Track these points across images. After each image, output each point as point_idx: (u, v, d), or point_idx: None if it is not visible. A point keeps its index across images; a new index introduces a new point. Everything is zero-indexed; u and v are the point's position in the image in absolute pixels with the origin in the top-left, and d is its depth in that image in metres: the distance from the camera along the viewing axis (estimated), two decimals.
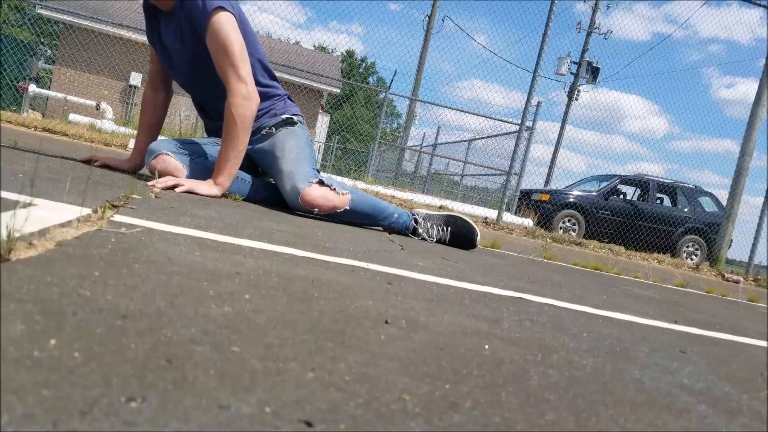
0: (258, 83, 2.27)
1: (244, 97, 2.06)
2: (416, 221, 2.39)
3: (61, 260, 0.69)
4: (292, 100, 2.47)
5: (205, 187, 2.05)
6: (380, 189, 7.53)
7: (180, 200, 1.70)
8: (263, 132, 2.35)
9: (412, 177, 16.32)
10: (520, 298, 1.27)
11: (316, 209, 2.15)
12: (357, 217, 2.27)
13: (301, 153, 2.28)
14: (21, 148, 2.43)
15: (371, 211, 2.29)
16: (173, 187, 1.97)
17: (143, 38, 12.90)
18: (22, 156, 1.99)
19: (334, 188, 2.17)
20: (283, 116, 2.37)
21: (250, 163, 2.43)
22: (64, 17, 12.42)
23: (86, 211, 1.08)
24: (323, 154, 20.81)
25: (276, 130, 2.34)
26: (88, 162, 2.36)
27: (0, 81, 10.30)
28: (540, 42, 7.30)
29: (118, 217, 1.12)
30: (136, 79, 13.32)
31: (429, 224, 2.38)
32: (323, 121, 19.14)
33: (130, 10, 13.00)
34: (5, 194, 1.07)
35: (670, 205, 10.21)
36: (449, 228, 2.38)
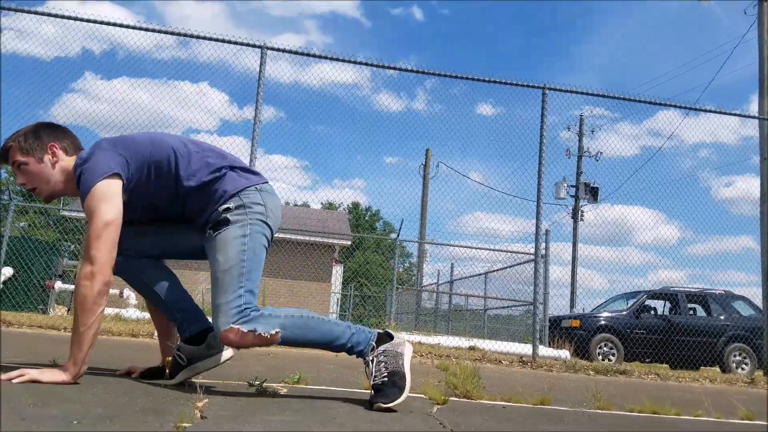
0: (200, 171, 2.16)
1: (85, 277, 1.95)
2: (373, 348, 2.12)
3: None
4: (238, 170, 2.22)
5: (49, 375, 1.96)
6: (404, 335, 7.40)
7: (225, 417, 1.67)
8: (207, 234, 2.16)
9: (434, 315, 16.11)
10: None
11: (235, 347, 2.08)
12: (298, 345, 2.11)
13: (227, 274, 2.05)
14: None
15: (315, 340, 2.10)
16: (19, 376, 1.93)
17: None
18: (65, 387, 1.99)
19: (258, 333, 1.98)
20: (221, 208, 2.13)
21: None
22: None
23: None
24: (341, 304, 20.80)
25: (213, 233, 2.12)
26: (129, 374, 2.38)
27: (29, 285, 10.63)
28: (537, 176, 7.44)
29: None
30: None
31: (381, 359, 2.11)
32: (338, 271, 19.41)
33: None
34: None
35: (704, 314, 9.94)
36: (389, 379, 2.08)
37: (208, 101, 10.72)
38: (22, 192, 34.00)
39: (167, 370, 2.30)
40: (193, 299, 2.39)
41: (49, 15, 6.15)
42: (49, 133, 2.18)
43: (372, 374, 2.11)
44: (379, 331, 2.21)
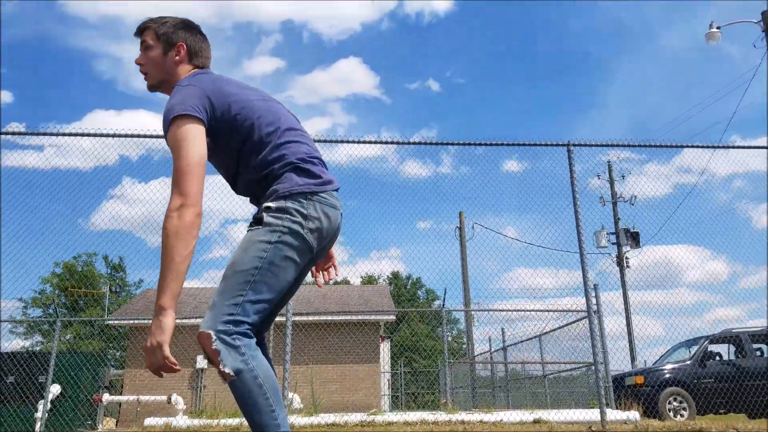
0: (269, 163, 2.01)
1: (175, 208, 1.85)
2: None
3: None
4: (301, 169, 2.03)
5: (153, 332, 1.81)
6: (464, 416, 7.08)
7: None
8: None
9: (491, 386, 15.50)
10: None
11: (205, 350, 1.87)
12: (236, 398, 1.87)
13: (234, 276, 1.90)
14: None
15: (247, 412, 1.87)
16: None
17: None
18: None
19: (221, 359, 1.82)
20: (263, 206, 1.96)
21: None
22: (130, 322, 13.33)
23: None
24: (392, 383, 20.25)
25: (248, 229, 1.98)
26: None
27: (76, 401, 10.64)
28: (576, 230, 7.26)
29: None
30: (202, 362, 13.77)
31: None
32: (385, 348, 19.07)
33: (187, 303, 13.91)
34: None
35: None
36: None
37: None
38: (66, 305, 34.91)
39: None
40: None
41: (84, 135, 6.42)
42: (187, 33, 2.18)
43: None
44: None
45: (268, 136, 2.05)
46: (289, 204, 1.95)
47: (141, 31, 2.18)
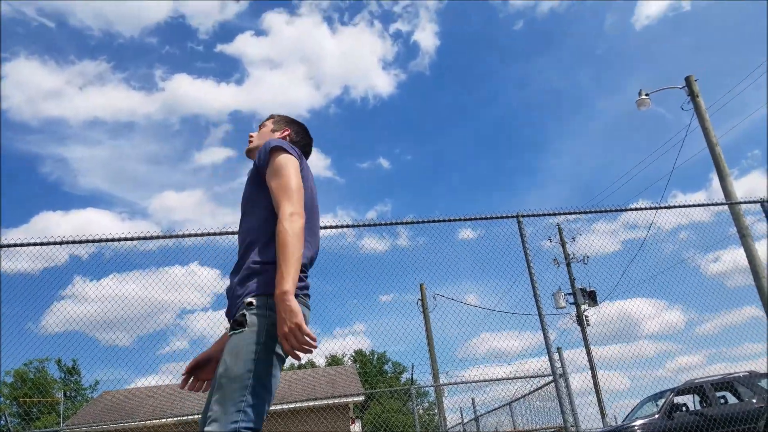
0: (270, 248, 2.10)
1: (292, 214, 2.02)
2: None
3: None
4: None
5: (285, 318, 1.86)
6: None
7: None
8: (228, 328, 2.03)
9: None
10: None
11: None
12: None
13: (232, 383, 1.87)
14: None
15: None
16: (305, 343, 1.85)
17: (172, 419, 13.17)
18: None
19: None
20: (245, 301, 1.98)
21: None
22: (88, 428, 12.67)
23: None
24: None
25: (230, 331, 1.98)
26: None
27: None
28: (533, 295, 7.50)
29: None
30: None
31: None
32: (356, 430, 18.51)
33: (145, 405, 13.36)
34: None
35: (736, 401, 9.58)
36: None
37: (198, 280, 10.65)
38: (18, 413, 32.80)
39: None
40: None
41: (35, 244, 6.34)
42: (295, 127, 2.60)
43: None
44: None
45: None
46: (271, 301, 1.98)
47: (268, 118, 2.63)
